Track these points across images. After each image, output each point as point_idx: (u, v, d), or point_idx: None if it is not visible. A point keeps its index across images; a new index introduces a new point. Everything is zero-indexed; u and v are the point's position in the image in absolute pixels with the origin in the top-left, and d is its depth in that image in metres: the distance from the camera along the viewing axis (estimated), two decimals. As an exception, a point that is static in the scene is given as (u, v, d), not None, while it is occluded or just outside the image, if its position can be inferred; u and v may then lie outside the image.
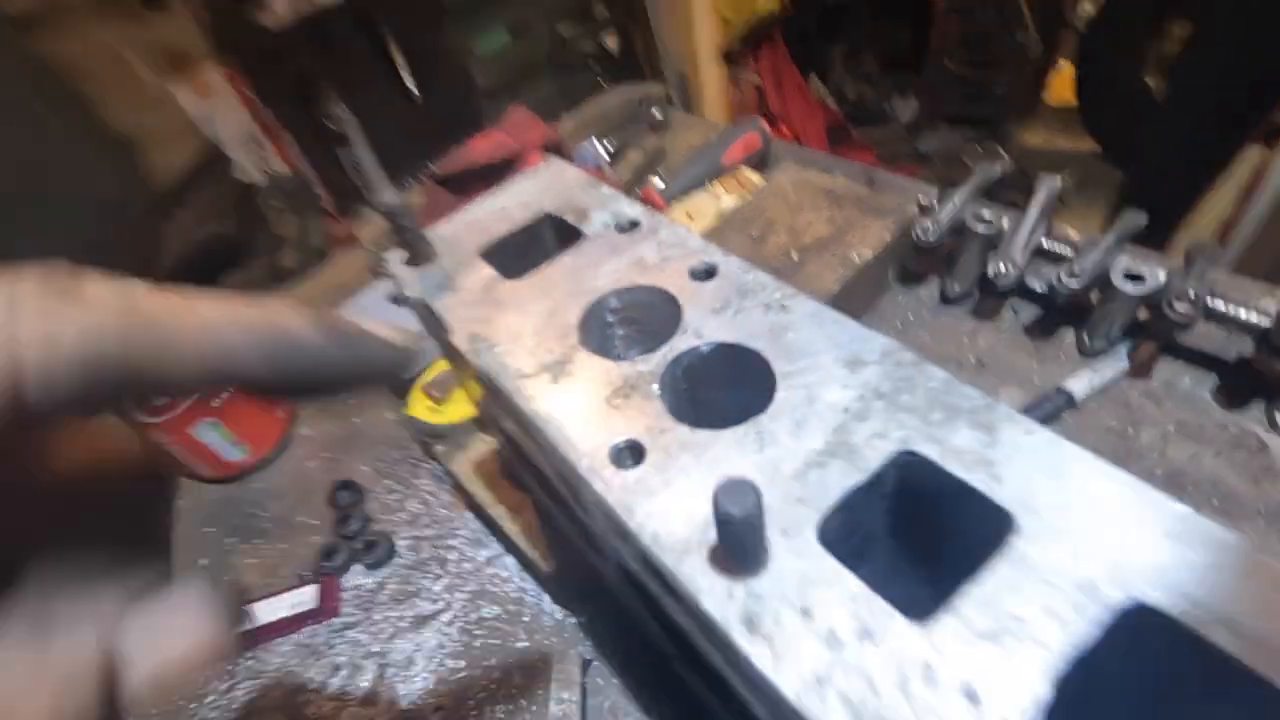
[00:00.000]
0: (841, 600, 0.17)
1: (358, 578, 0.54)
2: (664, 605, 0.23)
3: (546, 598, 0.50)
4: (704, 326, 0.24)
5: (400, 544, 0.56)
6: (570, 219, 0.31)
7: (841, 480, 0.19)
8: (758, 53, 2.53)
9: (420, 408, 0.58)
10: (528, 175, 0.34)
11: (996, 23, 2.47)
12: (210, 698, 0.50)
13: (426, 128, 0.92)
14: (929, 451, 0.19)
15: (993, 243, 0.57)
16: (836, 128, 2.67)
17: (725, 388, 0.24)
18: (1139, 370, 0.52)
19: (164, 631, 0.16)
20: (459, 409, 0.57)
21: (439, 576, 0.53)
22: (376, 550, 0.54)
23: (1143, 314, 0.52)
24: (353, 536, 0.56)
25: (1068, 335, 0.57)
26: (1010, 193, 0.60)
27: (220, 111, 0.82)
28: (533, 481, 0.38)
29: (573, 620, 0.48)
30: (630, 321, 0.27)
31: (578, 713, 0.42)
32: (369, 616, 0.52)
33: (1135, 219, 0.51)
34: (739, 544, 0.16)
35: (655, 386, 0.23)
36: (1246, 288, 0.54)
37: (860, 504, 0.20)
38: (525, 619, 0.49)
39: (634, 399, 0.23)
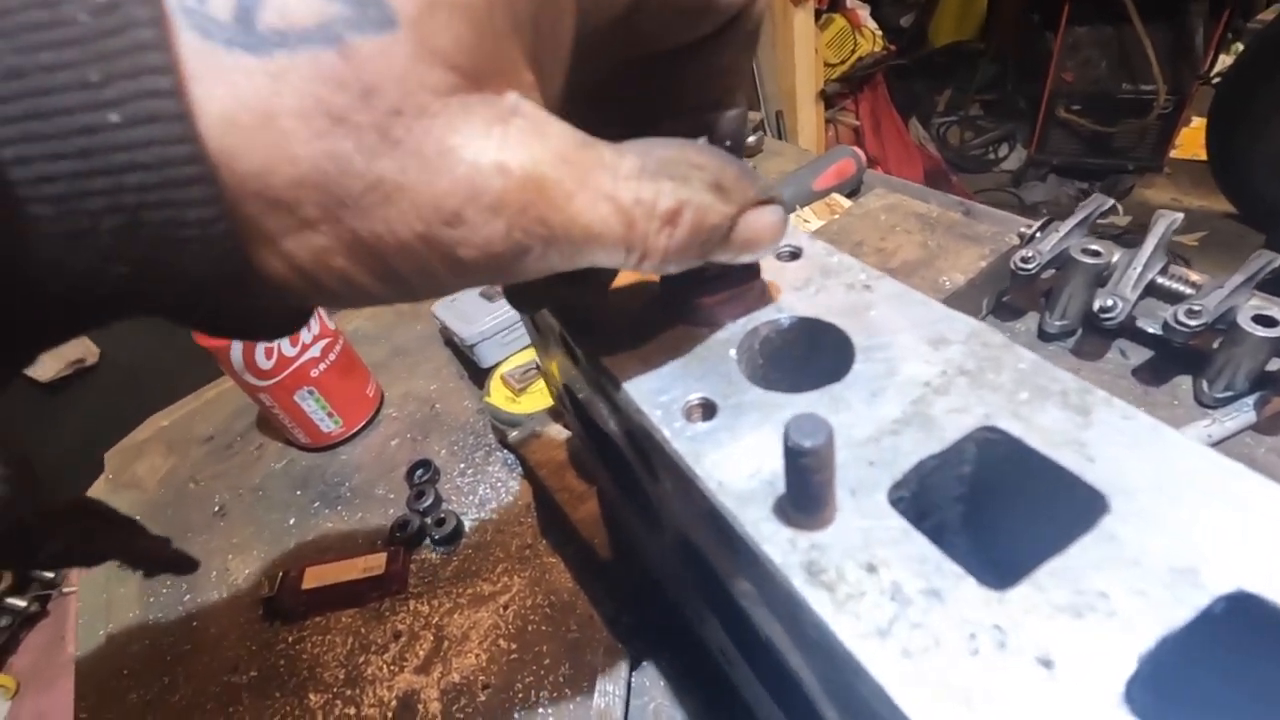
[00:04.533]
0: (908, 559, 0.16)
1: (425, 553, 0.57)
2: (721, 575, 0.23)
3: (602, 592, 0.50)
4: (784, 302, 0.24)
5: (468, 524, 0.58)
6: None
7: (916, 449, 0.18)
8: (858, 95, 2.52)
9: (499, 396, 0.61)
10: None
11: (1119, 72, 2.35)
12: (280, 645, 0.53)
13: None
14: (1012, 428, 0.18)
15: (1100, 278, 0.54)
16: (935, 172, 2.60)
17: (802, 359, 0.24)
18: (1268, 425, 0.48)
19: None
20: (536, 400, 0.59)
21: (500, 560, 0.55)
22: (446, 527, 0.56)
23: (1275, 364, 0.48)
24: (425, 512, 0.58)
25: (1183, 383, 0.52)
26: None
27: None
28: (600, 465, 0.39)
29: (626, 618, 0.48)
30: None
31: (620, 708, 0.42)
32: (432, 590, 0.54)
33: (1267, 259, 0.47)
34: (806, 484, 0.16)
35: (732, 352, 0.23)
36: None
37: (935, 481, 0.19)
38: (579, 610, 0.49)
39: (710, 362, 0.23)
